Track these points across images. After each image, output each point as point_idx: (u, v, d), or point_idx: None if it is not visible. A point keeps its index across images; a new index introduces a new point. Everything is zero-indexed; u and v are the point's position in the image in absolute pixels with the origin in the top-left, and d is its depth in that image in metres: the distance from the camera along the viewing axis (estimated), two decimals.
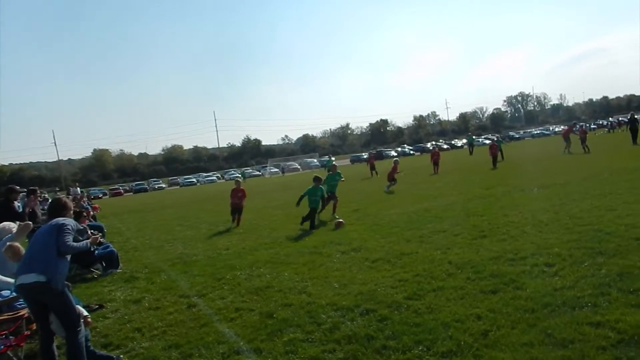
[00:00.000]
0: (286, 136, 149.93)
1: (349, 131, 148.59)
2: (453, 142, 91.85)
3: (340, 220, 11.88)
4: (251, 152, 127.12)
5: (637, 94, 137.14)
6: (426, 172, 26.00)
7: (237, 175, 72.82)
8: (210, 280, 7.87)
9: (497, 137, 42.48)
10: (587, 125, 73.89)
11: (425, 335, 4.57)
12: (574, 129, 30.00)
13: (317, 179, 12.88)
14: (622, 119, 62.04)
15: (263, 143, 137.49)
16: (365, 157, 60.99)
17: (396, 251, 8.10)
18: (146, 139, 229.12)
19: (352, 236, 10.07)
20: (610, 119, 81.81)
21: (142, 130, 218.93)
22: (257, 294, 6.71)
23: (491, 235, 8.38)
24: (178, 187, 76.60)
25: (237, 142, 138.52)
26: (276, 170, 74.25)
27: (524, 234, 8.19)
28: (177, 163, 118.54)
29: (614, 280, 5.31)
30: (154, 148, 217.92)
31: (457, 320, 4.80)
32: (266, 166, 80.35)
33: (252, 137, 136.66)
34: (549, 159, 26.31)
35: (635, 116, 29.19)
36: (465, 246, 7.86)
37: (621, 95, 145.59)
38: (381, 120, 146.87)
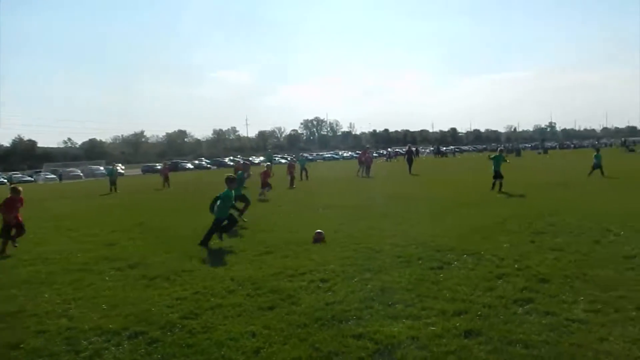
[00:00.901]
0: (69, 139, 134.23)
1: (144, 139, 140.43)
2: (251, 158, 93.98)
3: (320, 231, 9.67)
4: (23, 155, 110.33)
5: (411, 129, 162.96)
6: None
7: (3, 180, 62.72)
8: None
9: (302, 156, 43.49)
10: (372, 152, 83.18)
11: (197, 357, 4.35)
12: (367, 153, 32.95)
13: (231, 180, 10.33)
14: (398, 150, 71.77)
15: (39, 145, 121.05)
16: (159, 167, 58.19)
17: (177, 268, 7.68)
18: None
19: (131, 251, 9.29)
20: (388, 149, 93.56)
21: None
22: (3, 321, 5.62)
23: (275, 252, 8.56)
24: None
25: (6, 142, 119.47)
26: (53, 176, 65.47)
27: (305, 250, 8.56)
28: None
29: (377, 294, 5.83)
30: None
31: (231, 339, 4.68)
32: (40, 171, 70.26)
33: (26, 138, 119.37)
34: (336, 181, 28.66)
35: (412, 148, 33.79)
36: (248, 262, 7.88)
37: (399, 129, 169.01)
38: (179, 130, 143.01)
